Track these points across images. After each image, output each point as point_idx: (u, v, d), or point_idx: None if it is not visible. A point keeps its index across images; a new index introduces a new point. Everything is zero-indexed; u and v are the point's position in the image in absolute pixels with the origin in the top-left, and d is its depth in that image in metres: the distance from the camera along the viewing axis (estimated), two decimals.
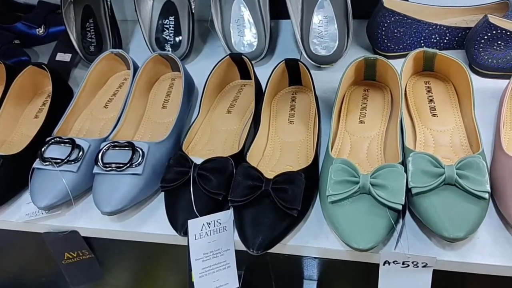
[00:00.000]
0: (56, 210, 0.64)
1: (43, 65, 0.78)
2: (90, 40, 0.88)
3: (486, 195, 0.53)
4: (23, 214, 0.65)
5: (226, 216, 0.58)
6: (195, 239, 0.56)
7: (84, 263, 0.70)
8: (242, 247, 0.56)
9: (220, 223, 0.57)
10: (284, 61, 0.70)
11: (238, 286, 0.59)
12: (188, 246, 0.57)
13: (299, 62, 0.70)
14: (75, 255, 0.69)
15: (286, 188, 0.55)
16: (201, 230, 0.57)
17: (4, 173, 0.66)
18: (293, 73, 0.73)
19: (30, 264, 0.83)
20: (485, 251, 0.54)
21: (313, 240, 0.58)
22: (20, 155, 0.68)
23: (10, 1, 1.01)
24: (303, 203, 0.55)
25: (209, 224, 0.57)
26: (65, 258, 0.69)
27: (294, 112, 0.72)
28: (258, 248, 0.54)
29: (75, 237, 0.65)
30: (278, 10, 0.85)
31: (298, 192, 0.55)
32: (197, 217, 0.57)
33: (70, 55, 0.88)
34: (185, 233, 0.57)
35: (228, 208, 0.58)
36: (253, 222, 0.55)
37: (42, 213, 0.64)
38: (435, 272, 0.53)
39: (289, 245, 0.58)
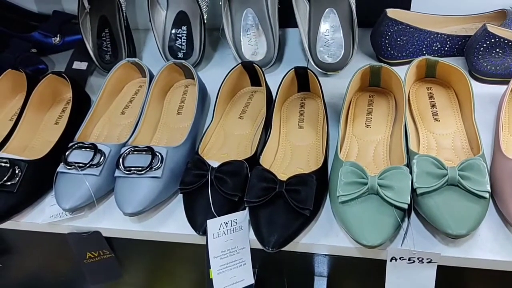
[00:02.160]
0: (80, 211, 0.67)
1: (62, 74, 0.81)
2: (105, 49, 0.92)
3: (487, 195, 0.56)
4: (47, 216, 0.68)
5: (242, 216, 0.61)
6: (214, 238, 0.60)
7: (104, 263, 0.73)
8: (257, 246, 0.60)
9: (236, 222, 0.61)
10: (293, 69, 0.74)
11: (253, 282, 0.62)
12: (206, 244, 0.60)
13: (308, 70, 0.74)
14: (96, 255, 0.72)
15: (299, 190, 0.59)
16: (219, 229, 0.60)
17: (29, 177, 0.69)
18: (302, 80, 0.76)
19: (49, 264, 0.87)
20: (486, 247, 0.58)
21: (324, 238, 0.61)
22: (43, 159, 0.71)
23: (26, 11, 1.04)
24: (314, 203, 0.59)
25: (226, 223, 0.60)
26: (87, 257, 0.72)
27: (304, 117, 0.75)
28: (273, 246, 0.57)
29: (97, 237, 0.68)
30: (287, 19, 0.89)
31: (310, 193, 0.59)
32: (215, 217, 0.60)
33: (86, 63, 0.91)
34: (204, 233, 0.61)
35: (244, 209, 0.62)
36: (268, 222, 0.59)
37: (66, 215, 0.67)
38: (439, 268, 0.57)
39: (301, 243, 0.61)
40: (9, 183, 0.67)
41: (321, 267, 0.68)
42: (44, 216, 0.69)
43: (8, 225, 0.69)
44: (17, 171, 0.68)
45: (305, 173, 0.61)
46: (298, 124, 0.75)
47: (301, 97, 0.79)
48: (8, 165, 0.68)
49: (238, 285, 0.61)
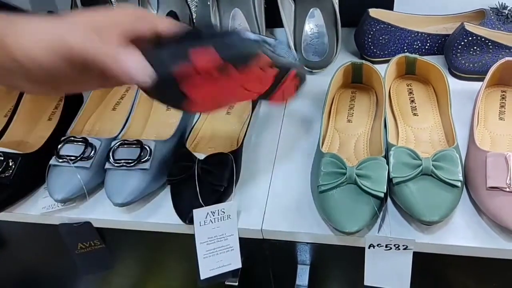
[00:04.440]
0: (71, 203, 0.70)
1: None
2: None
3: (459, 184, 0.59)
4: (40, 208, 0.71)
5: (230, 206, 0.64)
6: (200, 225, 0.62)
7: (95, 253, 0.76)
8: (245, 235, 0.63)
9: (224, 212, 0.63)
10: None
11: (240, 266, 0.65)
12: (194, 232, 0.63)
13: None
14: (87, 245, 0.74)
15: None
16: (206, 218, 0.63)
17: (22, 170, 0.71)
18: None
19: (42, 256, 0.89)
20: (459, 234, 0.60)
21: (306, 226, 0.64)
22: (37, 153, 0.73)
23: (21, 11, 1.07)
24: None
25: (213, 213, 0.63)
26: (78, 248, 0.74)
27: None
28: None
29: (88, 228, 0.71)
30: (273, 20, 0.91)
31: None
32: (202, 206, 0.63)
33: None
34: (190, 221, 0.63)
35: (228, 198, 0.65)
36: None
37: (58, 206, 0.70)
38: (417, 255, 0.60)
39: (284, 232, 0.64)
40: (3, 175, 0.70)
41: (304, 255, 0.71)
42: (37, 208, 0.71)
43: (1, 216, 0.71)
44: (11, 164, 0.70)
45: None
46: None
47: None
48: (2, 158, 0.70)
49: (224, 269, 0.64)
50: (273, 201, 0.67)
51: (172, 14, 0.94)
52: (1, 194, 0.70)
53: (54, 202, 0.70)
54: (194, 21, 0.92)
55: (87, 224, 0.70)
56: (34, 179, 0.73)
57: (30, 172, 0.72)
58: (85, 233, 0.72)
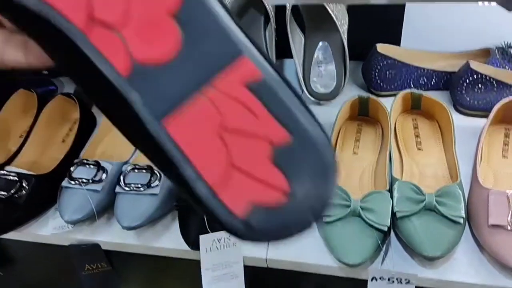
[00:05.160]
0: (81, 224, 0.72)
1: (71, 95, 0.86)
2: None
3: (461, 220, 0.60)
4: (50, 228, 0.73)
5: None
6: (206, 252, 0.64)
7: (102, 275, 0.77)
8: (249, 263, 0.64)
9: (230, 239, 0.65)
10: None
11: None
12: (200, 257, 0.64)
13: None
14: (94, 267, 0.76)
15: None
16: (212, 244, 0.64)
17: (35, 191, 0.73)
18: None
19: (51, 275, 0.90)
20: (461, 271, 0.61)
21: (310, 257, 0.65)
22: (50, 174, 0.76)
23: None
24: None
25: (219, 240, 0.64)
26: (86, 269, 0.76)
27: None
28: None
29: (96, 250, 0.72)
30: (283, 50, 0.94)
31: None
32: (209, 232, 0.64)
33: None
34: (196, 247, 0.64)
35: None
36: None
37: (68, 227, 0.72)
38: None
39: (288, 261, 0.65)
40: (16, 195, 0.72)
41: (307, 285, 0.72)
42: (47, 228, 0.73)
43: (12, 235, 0.73)
44: (24, 185, 0.72)
45: None
46: None
47: None
48: (17, 178, 0.72)
49: None
50: None
51: None
52: (14, 214, 0.72)
53: (64, 223, 0.71)
54: None
55: (96, 246, 0.72)
56: (46, 200, 0.75)
57: (43, 193, 0.74)
58: (93, 254, 0.73)
